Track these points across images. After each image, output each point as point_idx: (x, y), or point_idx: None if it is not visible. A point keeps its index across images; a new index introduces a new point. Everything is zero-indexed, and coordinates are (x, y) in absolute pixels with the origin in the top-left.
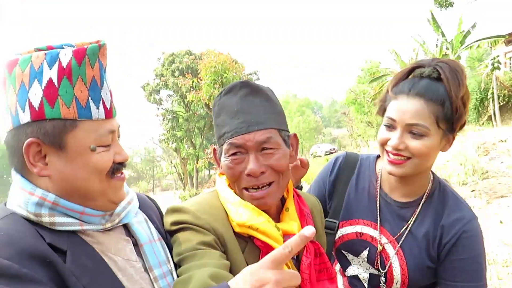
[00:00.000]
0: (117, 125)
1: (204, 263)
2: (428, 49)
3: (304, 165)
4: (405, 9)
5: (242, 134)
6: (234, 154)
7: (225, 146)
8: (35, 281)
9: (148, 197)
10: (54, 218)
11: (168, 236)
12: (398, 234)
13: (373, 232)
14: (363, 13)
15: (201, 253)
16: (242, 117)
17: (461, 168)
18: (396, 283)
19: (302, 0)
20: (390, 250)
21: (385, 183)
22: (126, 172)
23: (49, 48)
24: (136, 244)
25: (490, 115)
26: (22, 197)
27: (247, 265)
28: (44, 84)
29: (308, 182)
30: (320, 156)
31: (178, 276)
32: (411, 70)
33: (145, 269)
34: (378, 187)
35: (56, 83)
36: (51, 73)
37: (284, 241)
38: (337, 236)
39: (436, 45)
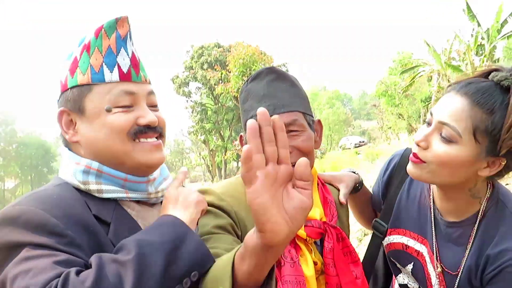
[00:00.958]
0: (145, 90)
1: (215, 246)
2: (463, 39)
3: None
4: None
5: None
6: None
7: None
8: (75, 244)
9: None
10: (101, 186)
11: None
12: (459, 269)
13: (419, 247)
14: (396, 7)
15: (215, 238)
16: (268, 101)
17: None
18: None
19: None
20: (431, 269)
21: (437, 197)
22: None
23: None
24: None
25: None
26: (71, 168)
27: None
28: (71, 61)
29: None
30: (349, 148)
31: None
32: (487, 73)
33: None
34: (430, 199)
35: (78, 58)
36: (77, 52)
37: (305, 227)
38: (385, 243)
39: (472, 35)
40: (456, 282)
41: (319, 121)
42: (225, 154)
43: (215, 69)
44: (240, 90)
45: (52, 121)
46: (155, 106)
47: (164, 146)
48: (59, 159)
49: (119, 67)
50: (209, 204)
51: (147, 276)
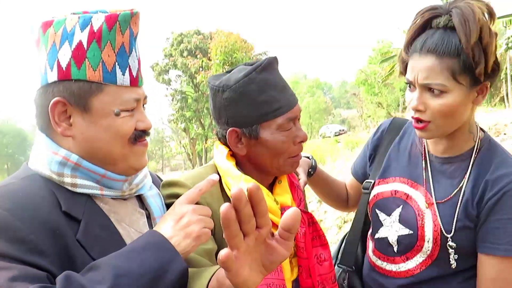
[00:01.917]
0: (143, 94)
1: None
2: None
3: None
4: None
5: (293, 107)
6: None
7: (280, 121)
8: (38, 250)
9: (157, 175)
10: (75, 180)
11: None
12: (450, 196)
13: (408, 190)
14: None
15: None
16: (289, 91)
17: None
18: (428, 241)
19: None
20: (423, 206)
21: (430, 143)
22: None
23: (84, 13)
24: (148, 218)
25: (503, 96)
26: (46, 157)
27: None
28: (74, 46)
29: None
30: (329, 137)
31: None
32: (427, 22)
33: None
34: (422, 147)
35: (85, 46)
36: (81, 36)
37: (281, 214)
38: (372, 195)
39: None
40: (456, 213)
41: None
42: (205, 143)
43: (196, 56)
44: (245, 80)
45: (29, 108)
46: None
47: None
48: None
49: (130, 70)
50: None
51: None
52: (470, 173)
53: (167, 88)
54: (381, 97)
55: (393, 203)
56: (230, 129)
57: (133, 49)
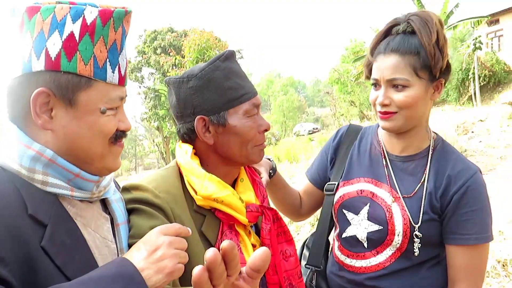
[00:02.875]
0: (126, 94)
1: None
2: None
3: None
4: None
5: (256, 95)
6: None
7: (246, 107)
8: None
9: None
10: (47, 178)
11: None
12: (415, 191)
13: (374, 188)
14: None
15: None
16: (250, 81)
17: None
18: (398, 235)
19: None
20: (390, 201)
21: (387, 143)
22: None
23: (72, 3)
24: (111, 223)
25: (471, 95)
26: (17, 150)
27: (206, 239)
28: (64, 36)
29: (289, 160)
30: (303, 135)
31: None
32: (388, 30)
33: (118, 251)
34: (380, 148)
35: (77, 38)
36: (73, 27)
37: (246, 212)
38: (337, 196)
39: None
40: (422, 206)
41: None
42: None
43: (169, 54)
44: (211, 67)
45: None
46: None
47: None
48: None
49: (119, 68)
50: (143, 202)
51: None
52: (429, 169)
53: (140, 86)
54: (354, 95)
55: (360, 202)
56: (197, 117)
57: (123, 48)
